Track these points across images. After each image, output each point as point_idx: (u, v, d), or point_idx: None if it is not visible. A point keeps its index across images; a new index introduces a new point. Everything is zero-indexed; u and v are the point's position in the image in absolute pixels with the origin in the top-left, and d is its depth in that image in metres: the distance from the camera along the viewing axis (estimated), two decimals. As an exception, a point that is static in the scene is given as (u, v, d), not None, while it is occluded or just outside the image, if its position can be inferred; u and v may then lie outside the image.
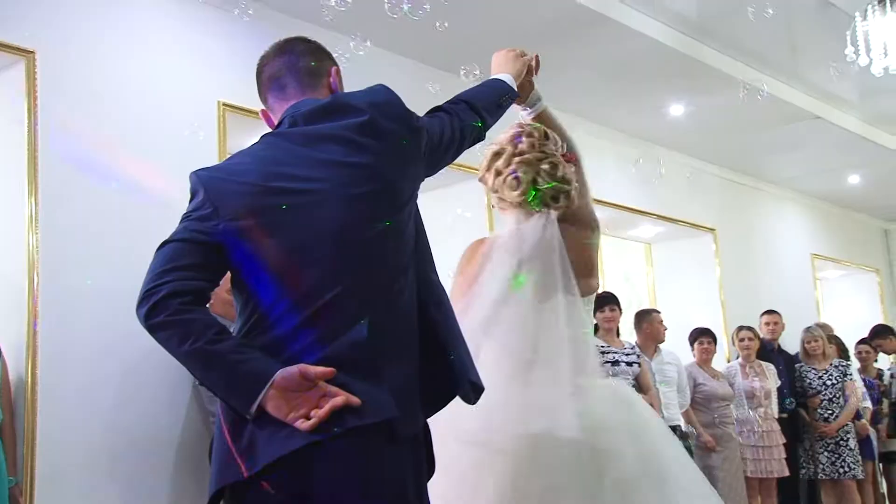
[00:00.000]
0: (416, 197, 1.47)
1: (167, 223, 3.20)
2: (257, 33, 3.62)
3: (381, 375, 1.30)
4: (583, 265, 1.82)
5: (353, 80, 1.62)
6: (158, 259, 1.33)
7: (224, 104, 3.60)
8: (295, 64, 1.50)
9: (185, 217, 1.39)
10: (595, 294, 1.90)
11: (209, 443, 3.15)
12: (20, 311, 2.95)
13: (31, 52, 3.07)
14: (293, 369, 1.25)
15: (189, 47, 3.61)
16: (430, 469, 1.44)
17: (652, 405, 4.01)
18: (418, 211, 1.49)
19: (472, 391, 1.43)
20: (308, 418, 1.24)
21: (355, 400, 1.25)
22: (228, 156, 3.61)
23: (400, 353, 1.36)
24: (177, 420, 3.23)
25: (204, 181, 1.40)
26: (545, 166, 1.82)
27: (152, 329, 1.29)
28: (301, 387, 1.25)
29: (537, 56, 1.89)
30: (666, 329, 4.69)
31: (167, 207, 3.27)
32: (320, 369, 1.26)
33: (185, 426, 3.24)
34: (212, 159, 3.53)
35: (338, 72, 1.54)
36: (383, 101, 1.43)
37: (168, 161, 3.38)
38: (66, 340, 3.00)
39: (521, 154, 1.83)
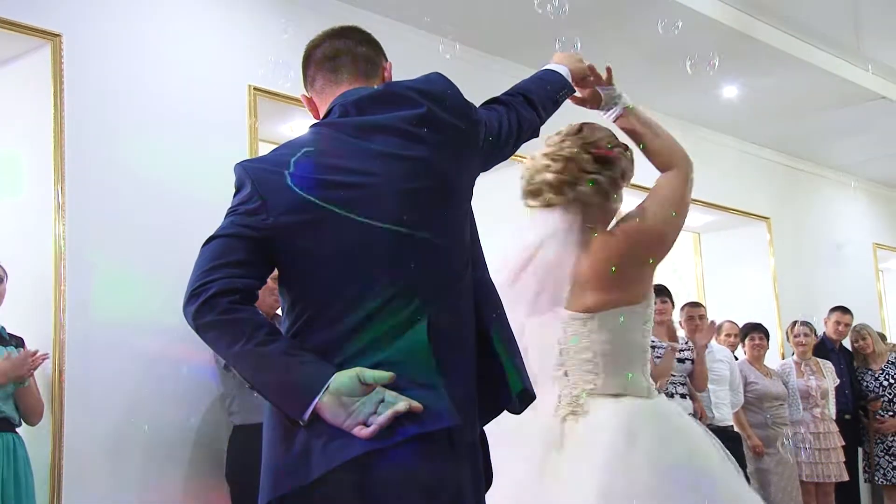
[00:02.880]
0: (471, 194, 1.40)
1: (196, 209, 3.17)
2: (289, 15, 3.52)
3: (441, 381, 1.24)
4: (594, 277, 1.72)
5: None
6: (205, 255, 1.26)
7: (255, 88, 3.50)
8: (352, 49, 1.44)
9: (232, 211, 1.30)
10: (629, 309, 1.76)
11: (228, 437, 3.10)
12: (46, 304, 2.90)
13: (58, 36, 3.01)
14: (350, 373, 1.19)
15: (219, 30, 3.52)
16: (487, 478, 1.38)
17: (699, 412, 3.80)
18: (471, 208, 1.41)
19: (523, 400, 1.37)
20: (367, 425, 1.18)
21: (417, 406, 1.20)
22: (259, 141, 3.53)
23: (460, 358, 1.31)
24: (200, 413, 3.16)
25: (251, 173, 1.31)
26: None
27: (200, 329, 1.22)
28: (359, 391, 1.19)
29: (609, 68, 1.82)
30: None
31: (196, 193, 3.21)
32: (379, 373, 1.20)
33: (205, 420, 3.17)
34: (242, 144, 3.44)
35: (391, 67, 1.48)
36: (441, 92, 1.36)
37: (197, 147, 3.30)
38: (95, 334, 2.94)
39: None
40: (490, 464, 1.39)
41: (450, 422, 1.22)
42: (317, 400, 1.18)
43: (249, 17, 3.58)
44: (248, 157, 3.44)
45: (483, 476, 1.37)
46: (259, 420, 3.27)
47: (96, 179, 3.04)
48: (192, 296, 1.22)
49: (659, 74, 4.77)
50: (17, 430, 2.71)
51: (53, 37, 2.99)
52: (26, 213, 3.07)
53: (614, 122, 1.85)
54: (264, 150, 3.51)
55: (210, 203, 3.32)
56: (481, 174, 1.44)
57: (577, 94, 1.78)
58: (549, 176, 1.73)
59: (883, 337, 5.49)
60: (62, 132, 2.96)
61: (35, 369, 2.65)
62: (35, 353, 2.64)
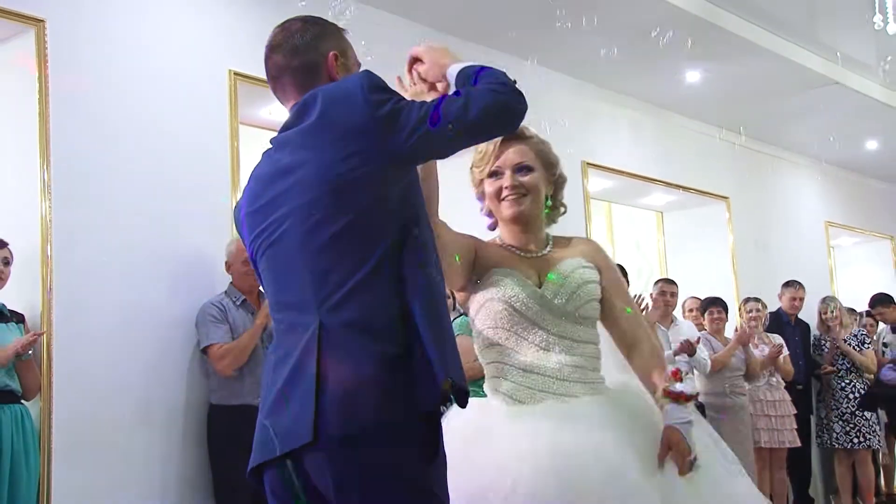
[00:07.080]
0: (390, 190, 1.36)
1: (177, 191, 3.23)
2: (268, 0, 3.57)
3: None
4: None
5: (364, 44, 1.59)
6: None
7: (235, 73, 3.56)
8: (290, 63, 1.46)
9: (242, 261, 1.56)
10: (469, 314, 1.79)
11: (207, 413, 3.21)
12: (34, 283, 2.96)
13: (41, 21, 3.04)
14: None
15: (199, 15, 3.56)
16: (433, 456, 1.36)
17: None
18: (414, 202, 1.40)
19: (452, 390, 1.34)
20: None
21: None
22: (239, 124, 3.60)
23: (369, 353, 1.32)
24: (188, 389, 3.25)
25: (237, 220, 1.54)
26: None
27: None
28: None
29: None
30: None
31: (178, 175, 3.28)
32: None
33: (193, 395, 3.26)
34: (222, 129, 3.51)
35: (335, 56, 1.47)
36: (343, 95, 1.35)
37: (178, 130, 3.36)
38: (81, 312, 3.01)
39: None
40: (438, 443, 1.34)
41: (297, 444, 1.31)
42: None
43: (230, 2, 3.63)
44: (228, 140, 3.52)
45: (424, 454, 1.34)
46: (234, 403, 3.40)
47: (81, 161, 3.08)
48: None
49: (627, 60, 4.93)
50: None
51: (37, 22, 3.03)
52: (13, 194, 3.12)
53: None
54: (244, 133, 3.62)
55: (191, 185, 3.43)
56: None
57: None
58: None
59: None
60: (47, 116, 3.00)
61: (30, 347, 2.73)
62: (35, 333, 2.79)
